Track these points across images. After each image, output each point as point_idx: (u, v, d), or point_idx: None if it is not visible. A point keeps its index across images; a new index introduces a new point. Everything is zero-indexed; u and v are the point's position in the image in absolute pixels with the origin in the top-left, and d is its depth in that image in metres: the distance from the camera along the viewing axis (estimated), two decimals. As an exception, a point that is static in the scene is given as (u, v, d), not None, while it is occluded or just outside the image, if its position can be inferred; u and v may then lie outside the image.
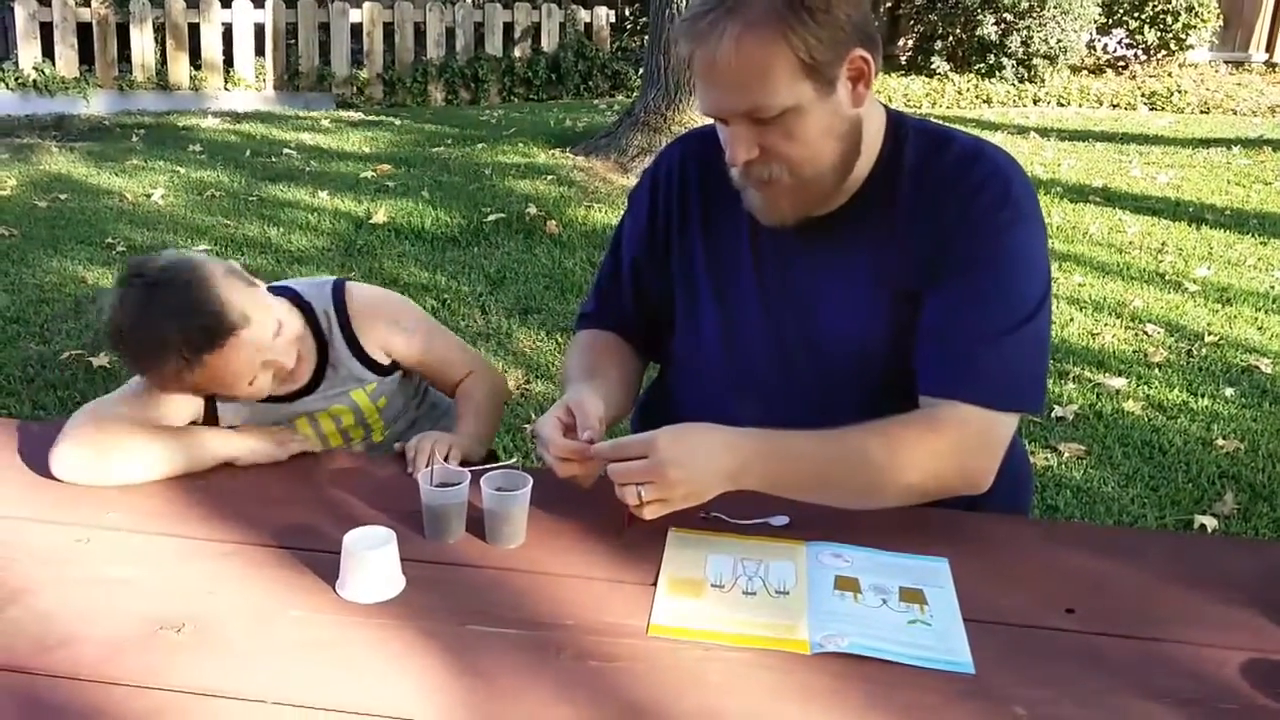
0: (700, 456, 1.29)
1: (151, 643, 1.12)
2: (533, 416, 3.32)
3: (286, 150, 6.78)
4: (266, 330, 1.52)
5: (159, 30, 8.61)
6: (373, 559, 1.20)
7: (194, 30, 8.67)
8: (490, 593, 1.23)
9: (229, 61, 8.87)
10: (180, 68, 8.67)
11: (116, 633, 1.14)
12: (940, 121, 1.51)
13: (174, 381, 1.47)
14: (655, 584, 1.25)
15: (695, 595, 1.23)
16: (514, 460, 1.40)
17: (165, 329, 1.42)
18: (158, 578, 1.24)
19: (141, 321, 1.44)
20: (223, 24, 8.74)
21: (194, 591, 1.22)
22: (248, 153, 6.71)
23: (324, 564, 1.25)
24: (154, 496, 1.42)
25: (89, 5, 8.40)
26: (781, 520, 1.38)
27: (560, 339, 3.93)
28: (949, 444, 1.35)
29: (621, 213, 1.70)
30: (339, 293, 1.68)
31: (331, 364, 1.66)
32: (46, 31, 8.39)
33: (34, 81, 8.31)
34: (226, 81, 8.86)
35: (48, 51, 8.41)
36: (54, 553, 1.29)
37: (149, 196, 5.67)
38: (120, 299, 1.46)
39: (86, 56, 8.50)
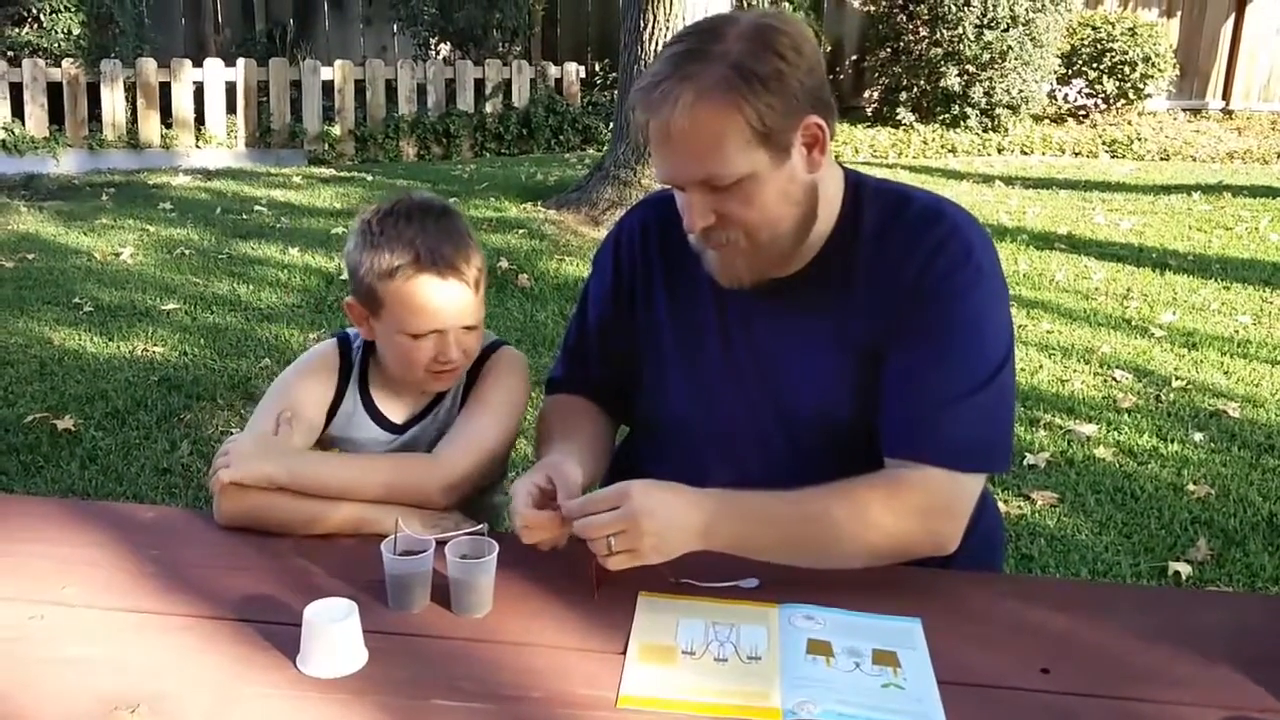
0: (670, 509, 1.29)
1: (105, 725, 1.09)
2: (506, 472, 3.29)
3: (258, 207, 6.78)
4: (480, 308, 1.57)
5: (130, 89, 8.62)
6: (334, 632, 1.18)
7: (165, 89, 8.68)
8: (456, 664, 1.20)
9: (200, 119, 8.87)
10: (151, 126, 8.66)
11: (70, 715, 1.11)
12: (900, 181, 1.52)
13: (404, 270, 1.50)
14: (625, 652, 1.22)
15: (666, 663, 1.21)
16: (480, 526, 1.38)
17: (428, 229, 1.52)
18: (114, 655, 1.21)
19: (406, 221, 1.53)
20: (194, 82, 8.75)
21: (151, 669, 1.18)
22: (218, 210, 6.70)
23: (284, 637, 1.22)
24: (112, 569, 1.39)
25: (59, 65, 8.40)
26: (752, 583, 1.36)
27: (534, 393, 3.89)
28: (913, 507, 1.35)
29: (590, 270, 1.70)
30: (494, 345, 1.69)
31: (441, 405, 1.64)
32: (16, 91, 8.37)
33: (3, 142, 8.27)
34: (198, 139, 8.86)
35: (17, 112, 8.39)
36: (6, 630, 1.25)
37: (118, 255, 5.63)
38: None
39: (56, 116, 8.48)
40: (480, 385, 1.63)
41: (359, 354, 1.66)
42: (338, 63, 9.10)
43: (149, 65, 8.58)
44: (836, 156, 1.44)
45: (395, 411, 1.64)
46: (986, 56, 9.29)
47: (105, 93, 8.50)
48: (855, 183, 1.46)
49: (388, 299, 1.52)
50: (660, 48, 5.98)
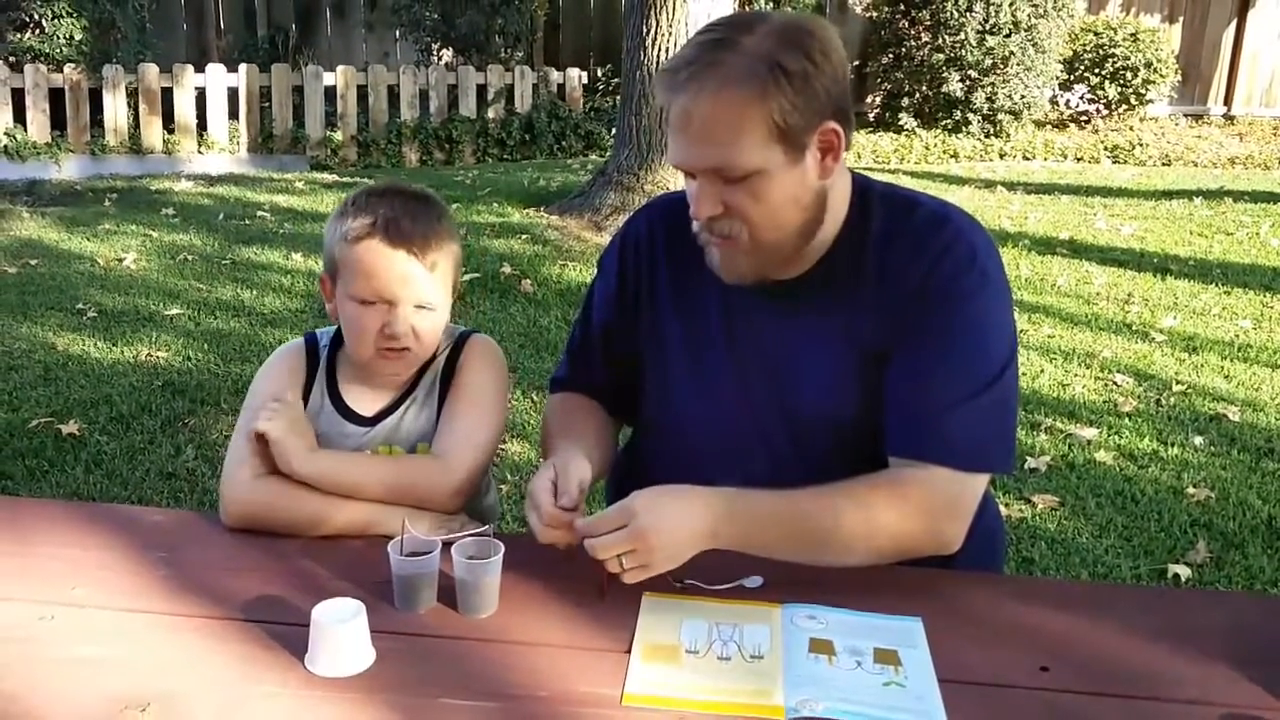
0: (677, 519, 1.30)
1: (116, 723, 1.10)
2: (508, 477, 3.31)
3: (260, 213, 6.79)
4: (438, 293, 1.56)
5: (132, 95, 8.64)
6: (342, 632, 1.19)
7: (167, 94, 8.71)
8: (463, 664, 1.22)
9: (202, 125, 8.89)
10: (153, 131, 8.69)
11: (80, 715, 1.12)
12: (907, 186, 1.53)
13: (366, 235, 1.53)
14: (630, 651, 1.24)
15: (670, 662, 1.22)
16: (486, 527, 1.39)
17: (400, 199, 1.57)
18: (123, 655, 1.22)
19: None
20: (196, 88, 8.78)
21: (160, 668, 1.20)
22: (221, 215, 6.72)
23: (293, 637, 1.23)
24: (121, 570, 1.40)
25: (61, 71, 8.42)
26: (756, 582, 1.37)
27: (536, 398, 3.92)
28: (917, 506, 1.36)
29: (594, 273, 1.71)
30: (465, 335, 1.67)
31: (414, 397, 1.64)
32: (18, 97, 8.40)
33: (5, 147, 8.30)
34: (200, 145, 8.88)
35: (19, 117, 8.42)
36: (16, 631, 1.26)
37: (121, 261, 5.65)
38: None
39: (58, 121, 8.51)
40: (462, 379, 1.62)
41: (326, 350, 1.67)
42: (340, 68, 9.12)
43: (151, 71, 8.61)
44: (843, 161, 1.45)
45: (363, 405, 1.63)
46: (989, 62, 9.32)
47: (107, 98, 8.53)
48: (862, 187, 1.48)
49: (342, 262, 1.55)
50: (664, 53, 6.03)
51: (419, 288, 1.54)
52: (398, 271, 1.52)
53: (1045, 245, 6.24)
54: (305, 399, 1.63)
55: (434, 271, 1.55)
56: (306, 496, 1.50)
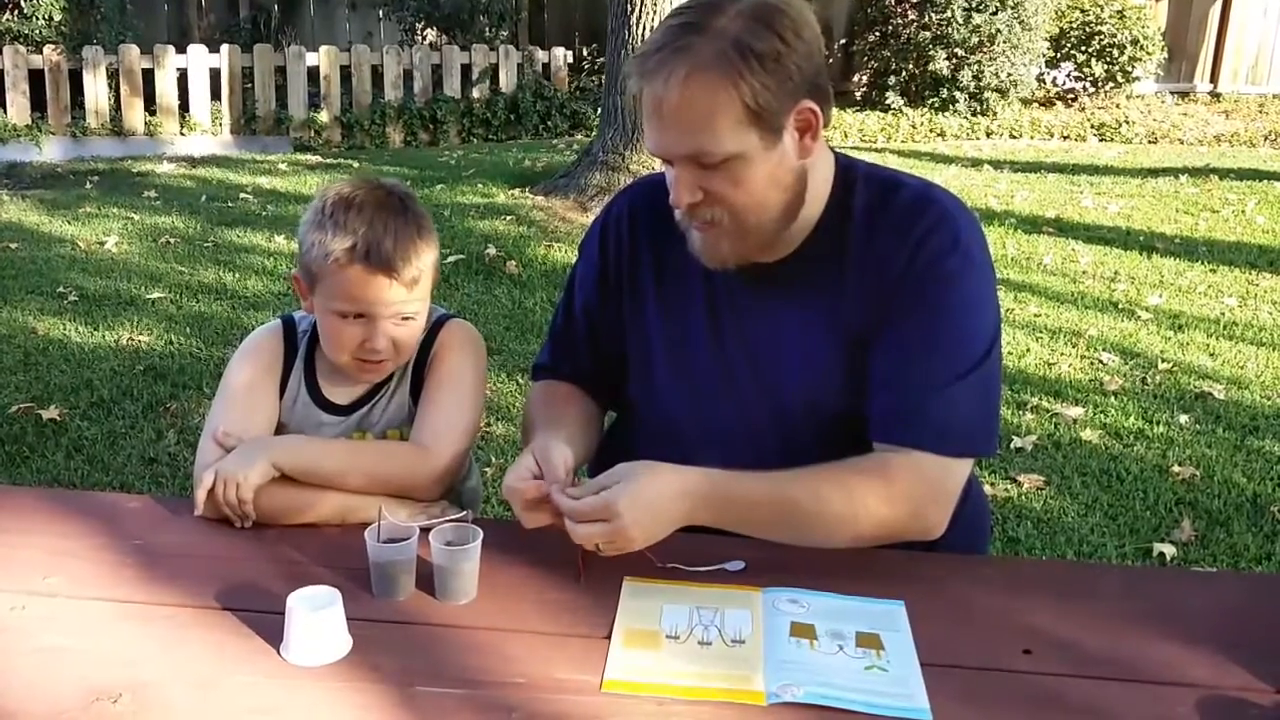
0: (657, 508, 1.29)
1: (88, 715, 1.08)
2: (492, 460, 3.29)
3: (243, 195, 6.74)
4: (418, 303, 1.55)
5: (113, 76, 8.55)
6: (318, 620, 1.17)
7: (148, 76, 8.61)
8: (440, 651, 1.20)
9: (184, 106, 8.80)
10: (135, 113, 8.60)
11: (52, 705, 1.10)
12: (890, 166, 1.51)
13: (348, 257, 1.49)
14: (609, 637, 1.23)
15: (650, 647, 1.21)
16: (465, 513, 1.38)
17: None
18: (95, 645, 1.21)
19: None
20: (178, 69, 8.68)
21: (133, 658, 1.18)
22: (204, 198, 6.66)
23: (268, 625, 1.22)
24: (94, 559, 1.38)
25: (40, 52, 8.32)
26: (737, 565, 1.36)
27: (521, 380, 3.90)
28: (901, 491, 1.35)
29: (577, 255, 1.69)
30: (441, 319, 1.66)
31: (389, 386, 1.63)
32: (-3, 79, 8.31)
33: (-16, 130, 8.21)
34: (182, 127, 8.79)
35: (-2, 99, 8.33)
36: (-13, 621, 1.25)
37: (102, 244, 5.60)
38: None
39: (39, 103, 8.41)
40: (442, 367, 1.61)
41: (305, 338, 1.65)
42: (323, 49, 9.04)
43: (132, 52, 8.51)
44: (825, 141, 1.44)
45: (339, 394, 1.63)
46: (975, 40, 9.28)
47: (88, 80, 8.43)
48: (845, 167, 1.46)
49: (320, 277, 1.52)
50: (647, 32, 5.98)
51: (401, 305, 1.53)
52: (380, 294, 1.51)
53: (1031, 224, 6.24)
54: (282, 387, 1.62)
55: (413, 288, 1.53)
56: (285, 488, 1.47)
